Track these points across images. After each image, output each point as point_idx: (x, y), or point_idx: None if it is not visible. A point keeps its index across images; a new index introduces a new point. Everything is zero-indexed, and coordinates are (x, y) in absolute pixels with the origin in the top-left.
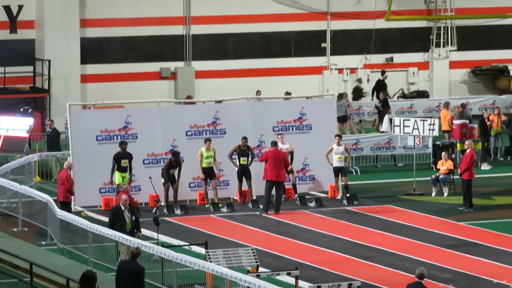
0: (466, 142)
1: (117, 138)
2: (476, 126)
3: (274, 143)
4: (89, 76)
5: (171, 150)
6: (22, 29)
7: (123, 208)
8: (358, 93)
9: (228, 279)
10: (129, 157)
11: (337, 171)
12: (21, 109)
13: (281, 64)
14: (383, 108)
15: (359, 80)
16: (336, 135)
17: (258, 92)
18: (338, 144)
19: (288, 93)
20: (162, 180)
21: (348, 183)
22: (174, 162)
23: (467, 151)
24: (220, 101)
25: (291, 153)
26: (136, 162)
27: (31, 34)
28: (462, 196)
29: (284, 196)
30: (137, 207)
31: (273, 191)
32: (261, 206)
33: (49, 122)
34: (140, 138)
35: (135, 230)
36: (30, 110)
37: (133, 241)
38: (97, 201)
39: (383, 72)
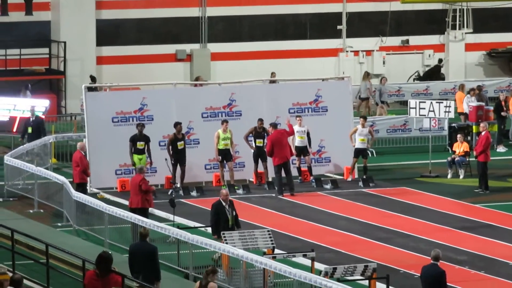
0: (481, 124)
1: (132, 120)
2: (491, 108)
3: (274, 125)
4: (105, 58)
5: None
6: (38, 11)
7: (223, 203)
8: None
9: (244, 260)
10: (146, 139)
11: (358, 152)
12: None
13: (296, 46)
14: None
15: None
16: (361, 116)
17: (272, 74)
18: (363, 126)
19: (367, 73)
20: (170, 160)
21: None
22: (179, 134)
23: (483, 133)
24: (274, 81)
25: (308, 134)
26: (151, 144)
27: (47, 16)
28: (477, 178)
29: (300, 178)
30: (153, 190)
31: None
32: (276, 188)
33: (31, 110)
34: (155, 120)
35: (235, 227)
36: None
37: (149, 223)
38: (113, 183)
39: (440, 60)
